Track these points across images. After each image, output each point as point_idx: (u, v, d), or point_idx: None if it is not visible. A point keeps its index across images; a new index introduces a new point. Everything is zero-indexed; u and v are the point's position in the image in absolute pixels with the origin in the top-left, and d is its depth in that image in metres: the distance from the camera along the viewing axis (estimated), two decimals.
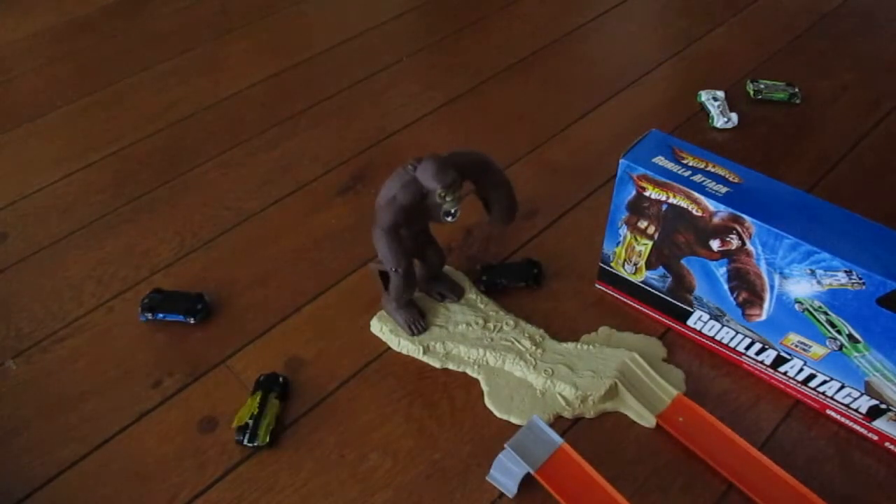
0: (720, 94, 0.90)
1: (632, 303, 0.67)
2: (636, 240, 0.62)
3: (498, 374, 0.62)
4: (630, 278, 0.65)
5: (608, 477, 0.53)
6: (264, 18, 1.09)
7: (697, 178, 0.55)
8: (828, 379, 0.57)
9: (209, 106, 0.93)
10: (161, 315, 0.66)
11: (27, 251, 0.75)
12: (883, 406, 0.55)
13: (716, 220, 0.55)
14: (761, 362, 0.61)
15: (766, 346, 0.59)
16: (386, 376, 0.63)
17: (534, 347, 0.63)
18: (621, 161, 0.58)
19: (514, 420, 0.59)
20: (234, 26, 1.07)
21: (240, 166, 0.84)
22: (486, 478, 0.56)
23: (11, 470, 0.57)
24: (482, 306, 0.67)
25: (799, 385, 0.59)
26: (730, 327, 0.61)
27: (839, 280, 0.50)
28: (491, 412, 0.60)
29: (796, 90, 0.90)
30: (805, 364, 0.58)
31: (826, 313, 0.53)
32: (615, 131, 0.87)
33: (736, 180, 0.55)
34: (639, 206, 0.59)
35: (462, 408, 0.60)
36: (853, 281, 0.50)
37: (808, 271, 0.52)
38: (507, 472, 0.54)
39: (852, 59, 0.97)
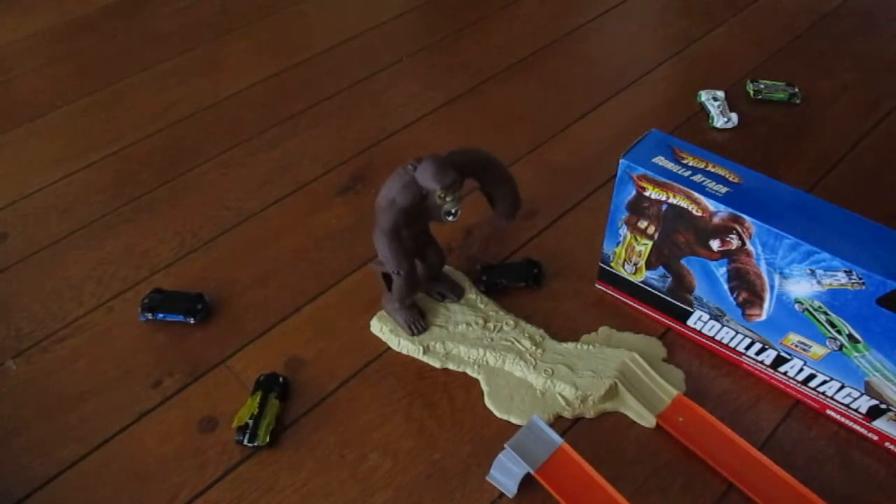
0: (720, 94, 0.90)
1: (632, 303, 0.67)
2: (636, 240, 0.62)
3: (498, 374, 0.62)
4: (630, 278, 0.65)
5: (608, 477, 0.53)
6: (264, 18, 1.09)
7: (697, 178, 0.55)
8: (828, 379, 0.57)
9: (209, 106, 0.93)
10: (161, 315, 0.66)
11: (27, 251, 0.75)
12: (883, 406, 0.55)
13: (716, 220, 0.55)
14: (761, 362, 0.61)
15: (766, 346, 0.59)
16: (386, 376, 0.63)
17: (534, 347, 0.63)
18: (621, 161, 0.58)
19: (514, 420, 0.59)
20: (234, 26, 1.07)
21: (240, 166, 0.84)
22: (486, 478, 0.56)
23: (11, 470, 0.57)
24: (482, 306, 0.67)
25: (799, 385, 0.59)
26: (730, 327, 0.61)
27: (839, 280, 0.50)
28: (491, 412, 0.60)
29: (796, 90, 0.90)
30: (805, 364, 0.58)
31: (826, 313, 0.53)
32: (615, 131, 0.87)
33: (736, 180, 0.55)
34: (639, 206, 0.59)
35: (462, 408, 0.60)
36: (853, 281, 0.50)
37: (808, 271, 0.52)
38: (507, 472, 0.54)
39: (852, 59, 0.97)
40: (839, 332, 0.53)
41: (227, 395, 0.62)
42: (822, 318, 0.53)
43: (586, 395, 0.59)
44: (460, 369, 0.63)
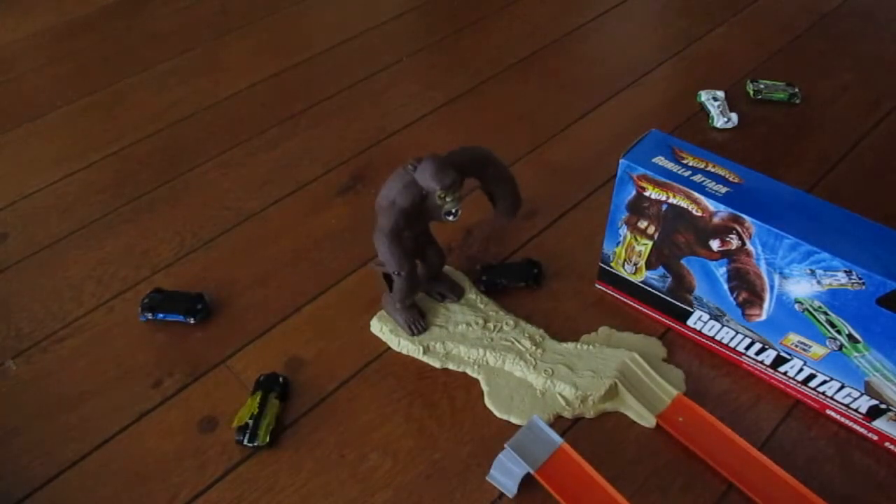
0: (720, 94, 0.90)
1: (632, 303, 0.67)
2: (636, 240, 0.62)
3: (498, 374, 0.62)
4: (630, 278, 0.65)
5: (608, 477, 0.53)
6: (264, 18, 1.09)
7: (697, 178, 0.55)
8: (828, 379, 0.57)
9: (209, 106, 0.93)
10: (161, 315, 0.66)
11: (27, 251, 0.75)
12: (883, 406, 0.55)
13: (716, 220, 0.55)
14: (761, 362, 0.61)
15: (766, 346, 0.59)
16: (386, 376, 0.63)
17: (534, 347, 0.63)
18: (621, 161, 0.58)
19: (514, 420, 0.59)
20: (234, 26, 1.07)
21: (240, 166, 0.84)
22: (486, 478, 0.56)
23: (11, 470, 0.57)
24: (482, 306, 0.67)
25: (799, 385, 0.59)
26: (730, 327, 0.61)
27: (839, 280, 0.50)
28: (491, 412, 0.60)
29: (796, 90, 0.90)
30: (805, 364, 0.58)
31: (826, 313, 0.53)
32: (615, 131, 0.87)
33: (736, 180, 0.55)
34: (639, 206, 0.59)
35: (462, 408, 0.60)
36: (853, 281, 0.50)
37: (808, 271, 0.52)
38: (507, 472, 0.54)
39: (852, 59, 0.97)
40: (839, 332, 0.53)
41: (227, 395, 0.62)
42: (822, 318, 0.53)
43: (586, 395, 0.59)
44: (460, 369, 0.63)
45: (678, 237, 0.58)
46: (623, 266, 0.65)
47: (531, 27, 1.05)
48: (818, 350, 0.56)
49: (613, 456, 0.57)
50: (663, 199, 0.57)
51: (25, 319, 0.68)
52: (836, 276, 0.50)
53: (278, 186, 0.81)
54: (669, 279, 0.62)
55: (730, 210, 0.53)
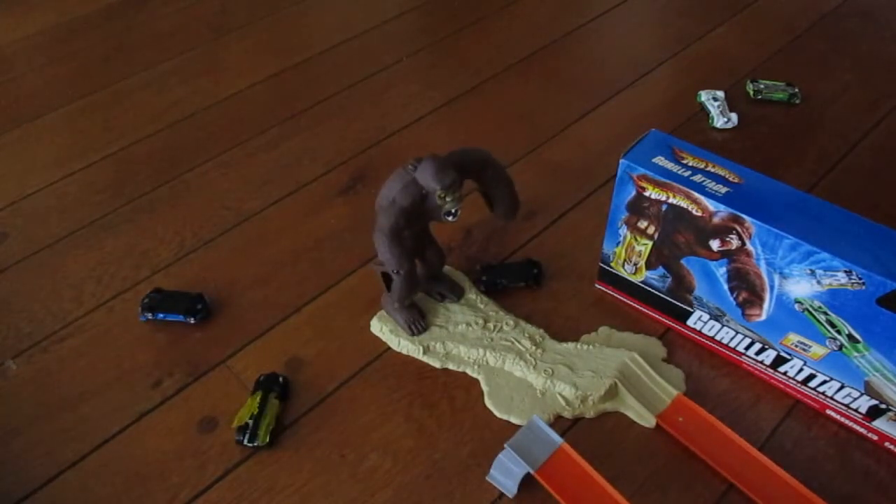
0: (720, 94, 0.90)
1: (632, 303, 0.67)
2: (636, 240, 0.62)
3: (498, 374, 0.62)
4: (630, 278, 0.65)
5: (608, 477, 0.53)
6: (264, 18, 1.09)
7: (697, 178, 0.55)
8: (828, 379, 0.57)
9: (209, 106, 0.93)
10: (161, 315, 0.66)
11: (27, 251, 0.75)
12: (883, 406, 0.55)
13: (716, 220, 0.55)
14: (761, 362, 0.61)
15: (766, 346, 0.59)
16: (386, 376, 0.63)
17: (534, 347, 0.63)
18: (621, 161, 0.58)
19: (514, 420, 0.59)
20: (234, 26, 1.07)
21: (240, 166, 0.84)
22: (486, 478, 0.56)
23: (11, 470, 0.57)
24: (482, 306, 0.67)
25: (799, 385, 0.59)
26: (730, 327, 0.61)
27: (839, 280, 0.50)
28: (491, 412, 0.60)
29: (796, 90, 0.90)
30: (805, 364, 0.58)
31: (826, 313, 0.53)
32: (615, 131, 0.87)
33: (736, 180, 0.55)
34: (639, 206, 0.59)
35: (462, 408, 0.60)
36: (853, 281, 0.50)
37: (808, 271, 0.52)
38: (507, 472, 0.54)
39: (852, 59, 0.97)
40: (839, 332, 0.53)
41: (227, 395, 0.62)
42: (822, 318, 0.53)
43: (586, 395, 0.59)
44: (460, 369, 0.63)
45: (678, 237, 0.58)
46: (623, 266, 0.65)
47: (531, 27, 1.05)
48: (818, 350, 0.56)
49: (613, 456, 0.57)
50: (663, 199, 0.57)
51: (25, 319, 0.68)
52: (836, 276, 0.50)
53: (278, 186, 0.81)
54: (669, 279, 0.62)
55: (730, 210, 0.53)
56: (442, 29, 1.05)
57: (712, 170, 0.56)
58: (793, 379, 0.59)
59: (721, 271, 0.57)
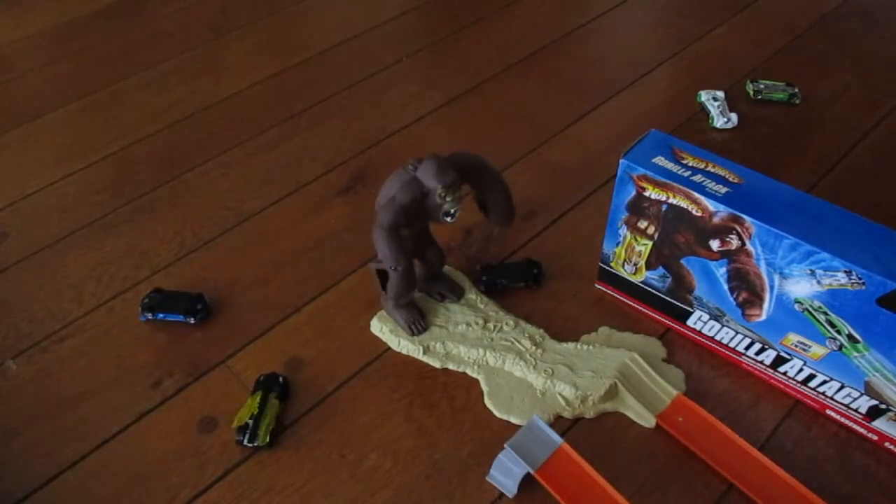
0: (720, 94, 0.90)
1: (632, 303, 0.67)
2: (636, 240, 0.62)
3: (498, 374, 0.62)
4: (630, 278, 0.65)
5: (608, 477, 0.53)
6: (264, 18, 1.09)
7: (697, 178, 0.55)
8: (827, 379, 0.57)
9: (209, 106, 0.93)
10: (161, 315, 0.66)
11: (27, 251, 0.75)
12: (883, 406, 0.55)
13: (716, 220, 0.55)
14: (761, 362, 0.61)
15: (766, 346, 0.59)
16: (386, 376, 0.63)
17: (534, 347, 0.63)
18: (621, 161, 0.58)
19: (514, 420, 0.59)
20: (234, 26, 1.07)
21: (240, 166, 0.84)
22: (486, 478, 0.56)
23: (11, 470, 0.57)
24: (482, 306, 0.67)
25: (799, 385, 0.59)
26: (730, 327, 0.61)
27: (839, 280, 0.50)
28: (491, 412, 0.60)
29: (796, 90, 0.90)
30: (805, 364, 0.58)
31: (826, 313, 0.53)
32: (615, 131, 0.87)
33: (736, 180, 0.55)
34: (639, 207, 0.59)
35: (462, 408, 0.60)
36: (853, 281, 0.50)
37: (808, 271, 0.52)
38: (507, 472, 0.54)
39: (852, 59, 0.97)
40: (839, 332, 0.53)
41: (227, 395, 0.62)
42: (822, 318, 0.53)
43: (586, 395, 0.59)
44: (460, 369, 0.63)
45: (678, 237, 0.58)
46: (623, 266, 0.65)
47: (531, 27, 1.05)
48: (818, 350, 0.56)
49: (613, 456, 0.57)
50: (663, 199, 0.57)
51: (25, 319, 0.68)
52: (835, 276, 0.50)
53: (278, 186, 0.81)
54: (669, 279, 0.62)
55: (730, 210, 0.53)
56: (442, 29, 1.05)
57: (712, 170, 0.56)
58: (793, 379, 0.59)
59: (721, 271, 0.57)
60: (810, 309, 0.54)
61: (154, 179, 0.83)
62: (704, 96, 0.90)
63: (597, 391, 0.59)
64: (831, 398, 0.58)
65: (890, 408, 0.55)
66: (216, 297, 0.69)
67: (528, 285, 0.69)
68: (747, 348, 0.61)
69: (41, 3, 1.14)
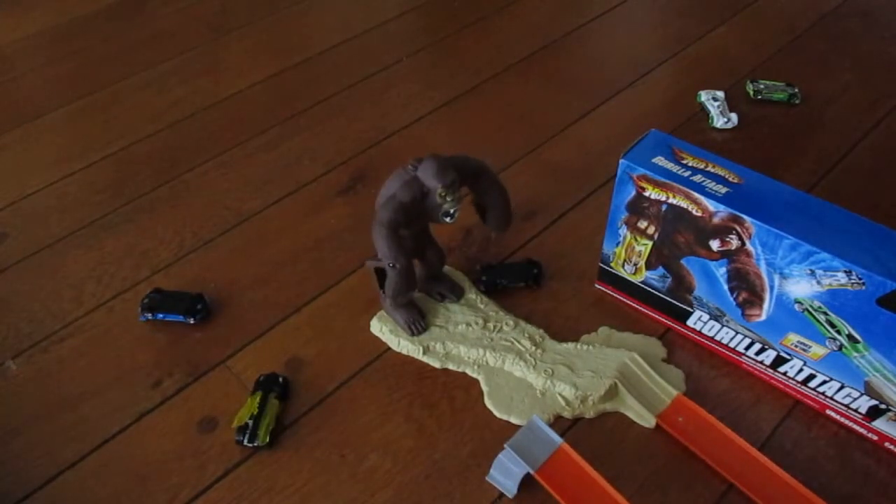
0: (720, 94, 0.90)
1: (632, 303, 0.67)
2: (636, 240, 0.62)
3: (498, 374, 0.62)
4: (630, 278, 0.65)
5: (608, 477, 0.53)
6: (264, 18, 1.09)
7: (697, 178, 0.55)
8: (827, 379, 0.57)
9: (209, 106, 0.93)
10: (161, 315, 0.66)
11: (27, 251, 0.75)
12: (883, 406, 0.55)
13: (715, 220, 0.55)
14: (761, 362, 0.61)
15: (766, 347, 0.59)
16: (386, 376, 0.63)
17: (534, 347, 0.63)
18: (621, 161, 0.58)
19: (514, 420, 0.59)
20: (234, 26, 1.07)
21: (240, 166, 0.84)
22: (486, 478, 0.56)
23: (11, 470, 0.57)
24: (482, 306, 0.67)
25: (799, 385, 0.59)
26: (730, 327, 0.61)
27: (839, 280, 0.50)
28: (491, 412, 0.60)
29: (796, 90, 0.90)
30: (805, 364, 0.58)
31: (826, 313, 0.53)
32: (615, 131, 0.87)
33: (736, 180, 0.55)
34: (639, 207, 0.59)
35: (462, 408, 0.60)
36: (853, 281, 0.50)
37: (808, 271, 0.52)
38: (506, 473, 0.54)
39: (852, 59, 0.97)
40: (839, 332, 0.53)
41: (227, 395, 0.62)
42: (822, 318, 0.53)
43: (586, 395, 0.59)
44: (460, 369, 0.63)
45: (678, 237, 0.58)
46: (623, 266, 0.65)
47: (531, 27, 1.05)
48: (818, 350, 0.56)
49: (613, 456, 0.57)
50: (663, 199, 0.57)
51: (25, 319, 0.68)
52: (835, 276, 0.50)
53: (278, 186, 0.81)
54: (669, 279, 0.62)
55: (730, 210, 0.53)
56: (442, 29, 1.05)
57: (712, 170, 0.56)
58: (793, 379, 0.59)
59: (721, 271, 0.57)
60: (810, 309, 0.54)
61: (154, 179, 0.83)
62: (704, 96, 0.90)
63: (597, 391, 0.59)
64: (831, 398, 0.58)
65: (890, 408, 0.55)
66: (216, 297, 0.69)
67: (528, 285, 0.69)
68: (747, 348, 0.61)
69: (41, 3, 1.14)
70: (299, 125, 0.90)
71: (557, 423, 0.59)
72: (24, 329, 0.67)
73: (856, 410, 0.57)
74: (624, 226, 0.62)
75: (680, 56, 0.99)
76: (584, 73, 0.96)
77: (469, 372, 0.62)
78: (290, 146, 0.87)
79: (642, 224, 0.60)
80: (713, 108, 0.87)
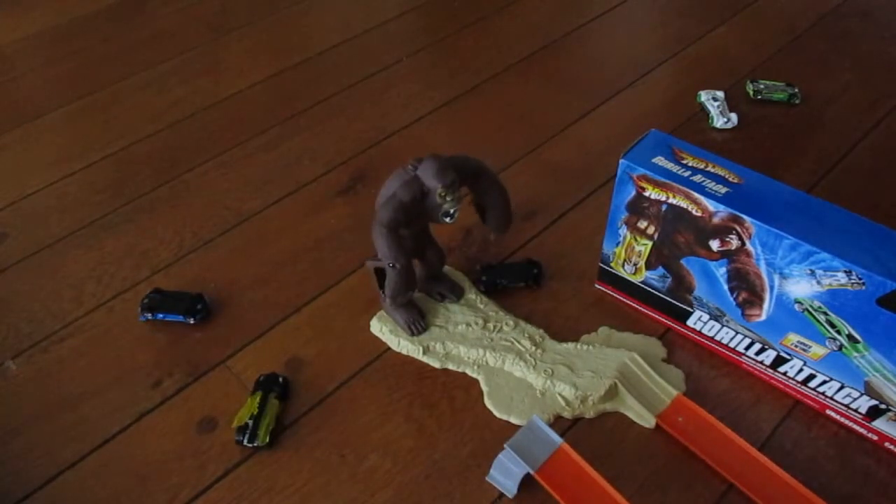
0: (720, 94, 0.90)
1: (632, 303, 0.67)
2: (636, 240, 0.62)
3: (498, 374, 0.62)
4: (630, 278, 0.65)
5: (608, 477, 0.53)
6: (264, 18, 1.09)
7: (697, 178, 0.55)
8: (827, 379, 0.57)
9: (209, 106, 0.93)
10: (161, 315, 0.66)
11: (27, 251, 0.75)
12: (883, 406, 0.55)
13: (715, 220, 0.55)
14: (761, 362, 0.61)
15: (766, 347, 0.59)
16: (386, 376, 0.63)
17: (534, 347, 0.63)
18: (621, 161, 0.58)
19: (514, 420, 0.59)
20: (234, 26, 1.07)
21: (240, 166, 0.84)
22: (486, 478, 0.56)
23: (11, 470, 0.57)
24: (482, 306, 0.67)
25: (799, 385, 0.59)
26: (729, 327, 0.61)
27: (839, 280, 0.50)
28: (491, 412, 0.60)
29: (796, 90, 0.90)
30: (805, 364, 0.58)
31: (826, 313, 0.53)
32: (615, 131, 0.87)
33: (736, 180, 0.55)
34: (639, 207, 0.59)
35: (462, 408, 0.60)
36: (853, 281, 0.50)
37: (808, 271, 0.52)
38: (506, 473, 0.54)
39: (852, 59, 0.97)
40: (839, 332, 0.53)
41: (227, 395, 0.62)
42: (822, 318, 0.53)
43: (586, 396, 0.59)
44: (460, 369, 0.63)
45: (678, 237, 0.58)
46: (623, 266, 0.65)
47: (531, 27, 1.05)
48: (818, 350, 0.56)
49: (613, 456, 0.57)
50: (663, 199, 0.57)
51: (25, 319, 0.68)
52: (835, 276, 0.50)
53: (278, 186, 0.81)
54: (669, 279, 0.62)
55: (729, 210, 0.53)
56: (442, 29, 1.05)
57: (712, 170, 0.56)
58: (793, 379, 0.59)
59: (721, 271, 0.57)
60: (810, 309, 0.54)
61: (154, 179, 0.83)
62: (704, 96, 0.90)
63: (597, 391, 0.59)
64: (831, 398, 0.58)
65: (890, 408, 0.55)
66: (216, 297, 0.69)
67: (528, 285, 0.69)
68: (747, 348, 0.61)
69: (41, 3, 1.14)
70: (299, 125, 0.90)
71: (557, 423, 0.59)
72: (24, 329, 0.67)
73: (856, 410, 0.57)
74: (624, 226, 0.62)
75: (680, 56, 0.99)
76: (584, 73, 0.96)
77: (469, 372, 0.62)
78: (290, 146, 0.87)
79: (642, 224, 0.60)
80: (713, 108, 0.87)
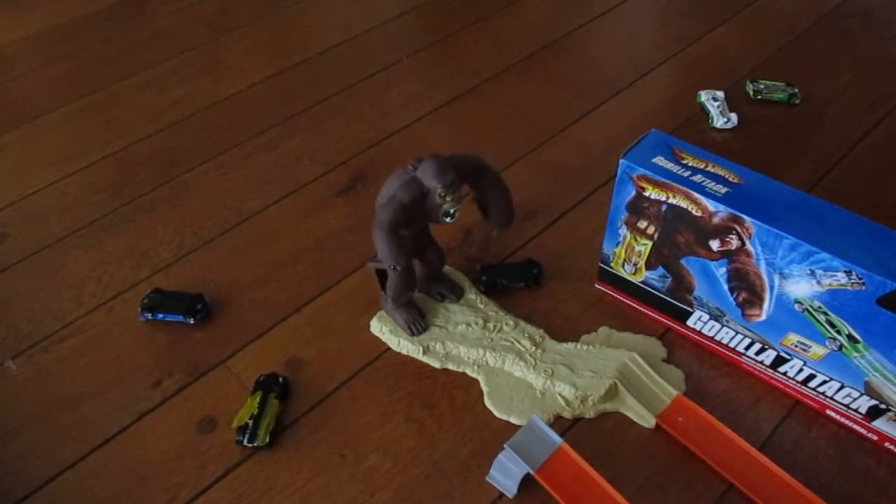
0: (720, 94, 0.90)
1: (632, 303, 0.67)
2: (636, 240, 0.62)
3: (498, 374, 0.62)
4: (630, 278, 0.65)
5: (608, 477, 0.53)
6: (264, 18, 1.09)
7: (697, 178, 0.55)
8: (827, 379, 0.57)
9: (209, 106, 0.93)
10: (161, 315, 0.66)
11: (27, 251, 0.75)
12: (883, 406, 0.55)
13: (715, 220, 0.55)
14: (761, 362, 0.61)
15: (766, 347, 0.59)
16: (386, 376, 0.63)
17: (534, 347, 0.63)
18: (621, 161, 0.58)
19: (513, 420, 0.59)
20: (234, 26, 1.07)
21: (240, 166, 0.84)
22: (486, 478, 0.56)
23: (11, 470, 0.57)
24: (482, 306, 0.67)
25: (799, 385, 0.59)
26: (729, 327, 0.61)
27: (839, 280, 0.50)
28: (491, 412, 0.60)
29: (796, 90, 0.90)
30: (805, 364, 0.58)
31: (826, 313, 0.53)
32: (615, 131, 0.87)
33: (736, 180, 0.55)
34: (639, 207, 0.59)
35: (462, 408, 0.60)
36: (853, 281, 0.50)
37: (808, 271, 0.52)
38: (506, 473, 0.54)
39: (852, 59, 0.97)
40: (839, 332, 0.53)
41: (227, 395, 0.62)
42: (822, 318, 0.53)
43: (586, 396, 0.59)
44: (460, 369, 0.63)
45: (678, 237, 0.58)
46: (623, 266, 0.65)
47: (531, 27, 1.05)
48: (818, 350, 0.56)
49: (613, 456, 0.57)
50: (663, 199, 0.57)
51: (25, 319, 0.68)
52: (835, 276, 0.50)
53: (278, 186, 0.81)
54: (669, 279, 0.62)
55: (729, 210, 0.53)
56: (442, 29, 1.05)
57: (712, 170, 0.56)
58: (793, 379, 0.59)
59: (721, 271, 0.57)
60: (810, 309, 0.54)
61: (154, 179, 0.83)
62: (704, 96, 0.90)
63: (597, 391, 0.59)
64: (831, 398, 0.58)
65: (890, 408, 0.55)
66: (216, 297, 0.69)
67: (528, 285, 0.69)
68: (747, 348, 0.61)
69: (41, 3, 1.14)
70: (299, 125, 0.90)
71: (557, 423, 0.59)
72: (24, 329, 0.67)
73: (856, 410, 0.57)
74: (624, 226, 0.62)
75: (680, 56, 0.99)
76: (584, 73, 0.96)
77: (469, 372, 0.62)
78: (290, 146, 0.87)
79: (642, 224, 0.60)
80: (713, 108, 0.87)
